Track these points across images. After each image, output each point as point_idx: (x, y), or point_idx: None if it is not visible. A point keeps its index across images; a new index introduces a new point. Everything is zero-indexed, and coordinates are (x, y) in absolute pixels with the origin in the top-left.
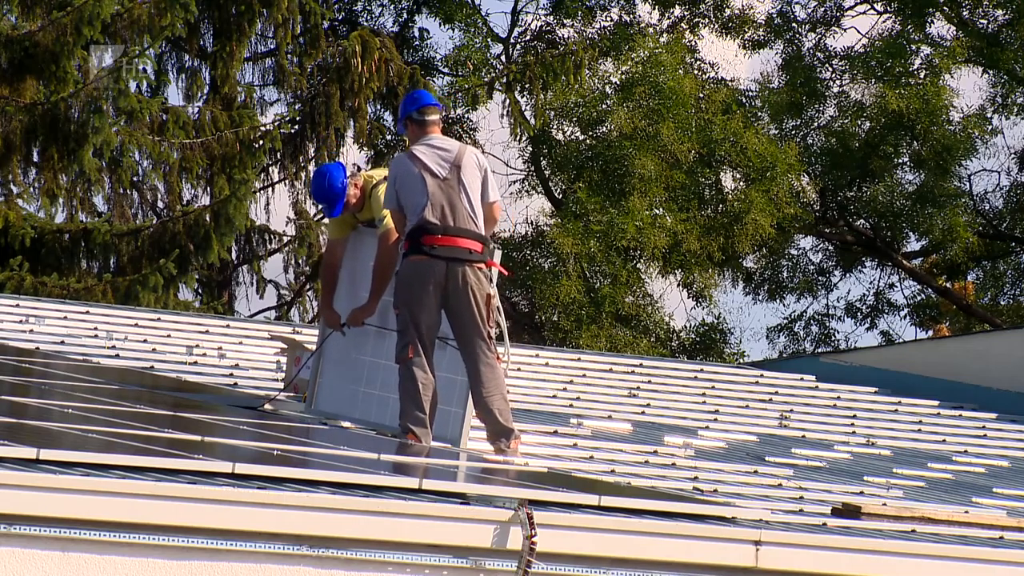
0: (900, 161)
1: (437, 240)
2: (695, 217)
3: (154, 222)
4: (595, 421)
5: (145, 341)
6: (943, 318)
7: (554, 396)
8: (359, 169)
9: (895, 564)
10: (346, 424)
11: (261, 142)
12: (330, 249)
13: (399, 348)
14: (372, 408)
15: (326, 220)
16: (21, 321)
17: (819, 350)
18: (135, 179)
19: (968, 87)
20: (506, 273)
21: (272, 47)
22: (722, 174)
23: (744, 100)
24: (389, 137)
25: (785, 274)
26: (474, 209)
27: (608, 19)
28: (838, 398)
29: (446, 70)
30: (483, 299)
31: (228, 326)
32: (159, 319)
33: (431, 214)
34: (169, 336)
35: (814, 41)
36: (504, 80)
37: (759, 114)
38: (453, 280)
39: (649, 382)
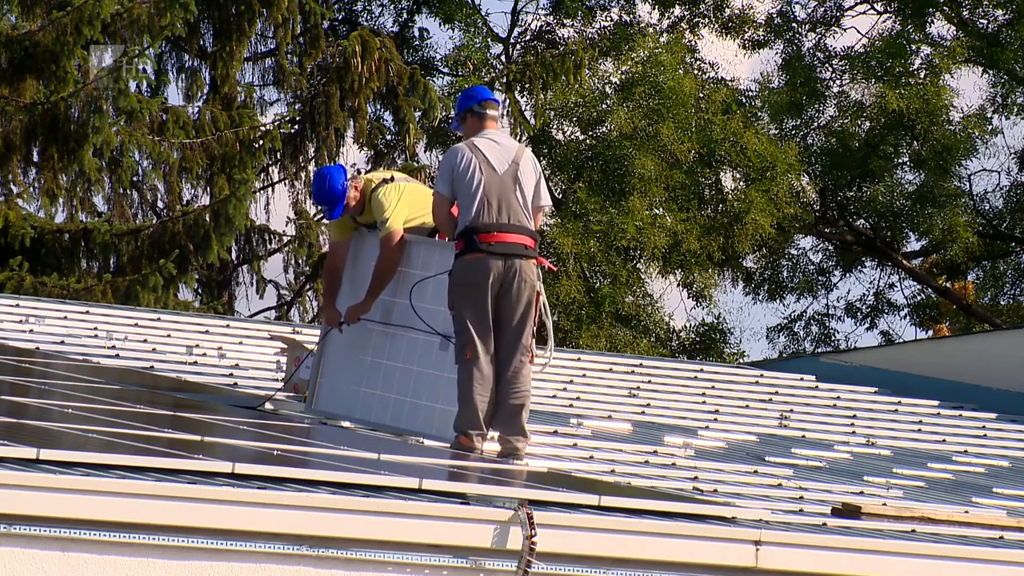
0: (900, 161)
1: (493, 237)
2: (695, 217)
3: (154, 222)
4: (595, 421)
5: (145, 341)
6: (943, 318)
7: (554, 396)
8: (359, 171)
9: (895, 564)
10: (346, 424)
11: (261, 142)
12: (332, 251)
13: (458, 349)
14: (372, 408)
15: (326, 221)
16: (21, 321)
17: (819, 350)
18: (135, 179)
19: (968, 87)
20: (552, 268)
21: (272, 47)
22: (722, 174)
23: (744, 100)
24: (389, 137)
25: (785, 274)
26: (527, 207)
27: (608, 19)
28: (838, 398)
29: (446, 70)
30: (534, 296)
31: (228, 326)
32: (159, 319)
33: (486, 210)
34: (169, 336)
35: (814, 41)
36: (504, 80)
37: (759, 114)
38: (509, 275)
39: (649, 382)
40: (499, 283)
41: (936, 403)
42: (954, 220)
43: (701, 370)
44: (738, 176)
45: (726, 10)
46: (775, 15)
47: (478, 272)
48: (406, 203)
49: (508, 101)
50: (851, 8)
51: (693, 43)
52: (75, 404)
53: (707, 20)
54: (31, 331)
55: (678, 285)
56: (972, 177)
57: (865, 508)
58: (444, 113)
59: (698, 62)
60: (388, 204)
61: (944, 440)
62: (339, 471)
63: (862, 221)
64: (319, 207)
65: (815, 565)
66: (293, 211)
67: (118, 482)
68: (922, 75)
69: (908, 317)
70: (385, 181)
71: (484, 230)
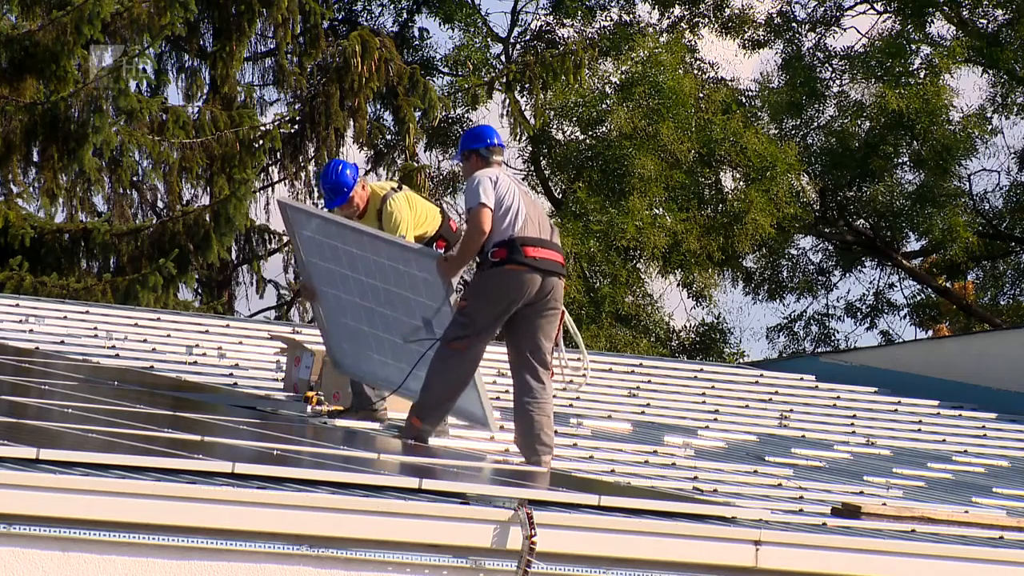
0: (900, 161)
1: (539, 252)
2: (695, 217)
3: (154, 222)
4: (595, 421)
5: (145, 341)
6: (943, 318)
7: (554, 396)
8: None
9: (895, 564)
10: (345, 424)
11: (261, 142)
12: None
13: (456, 335)
14: (388, 373)
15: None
16: (21, 321)
17: (819, 350)
18: (135, 179)
19: (968, 87)
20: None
21: (272, 47)
22: (722, 174)
23: (744, 100)
24: (389, 137)
25: (785, 274)
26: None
27: (608, 19)
28: (838, 398)
29: (446, 70)
30: (559, 314)
31: (228, 326)
32: (159, 319)
33: (531, 224)
34: (169, 336)
35: (814, 41)
36: (504, 80)
37: (759, 114)
38: (544, 291)
39: (649, 382)
40: (532, 298)
41: (936, 403)
42: (954, 220)
43: (701, 370)
44: (738, 176)
45: (726, 10)
46: (775, 15)
47: (516, 284)
48: (415, 214)
49: (508, 101)
50: (851, 8)
51: (693, 43)
52: (75, 404)
53: (707, 20)
54: (31, 331)
55: (678, 285)
56: (972, 177)
57: (865, 508)
58: (444, 113)
59: (698, 62)
60: (403, 220)
61: (944, 440)
62: (339, 471)
63: (862, 221)
64: (322, 193)
65: (815, 565)
66: None
67: (118, 482)
68: (922, 75)
69: (908, 317)
70: (394, 191)
71: (532, 244)
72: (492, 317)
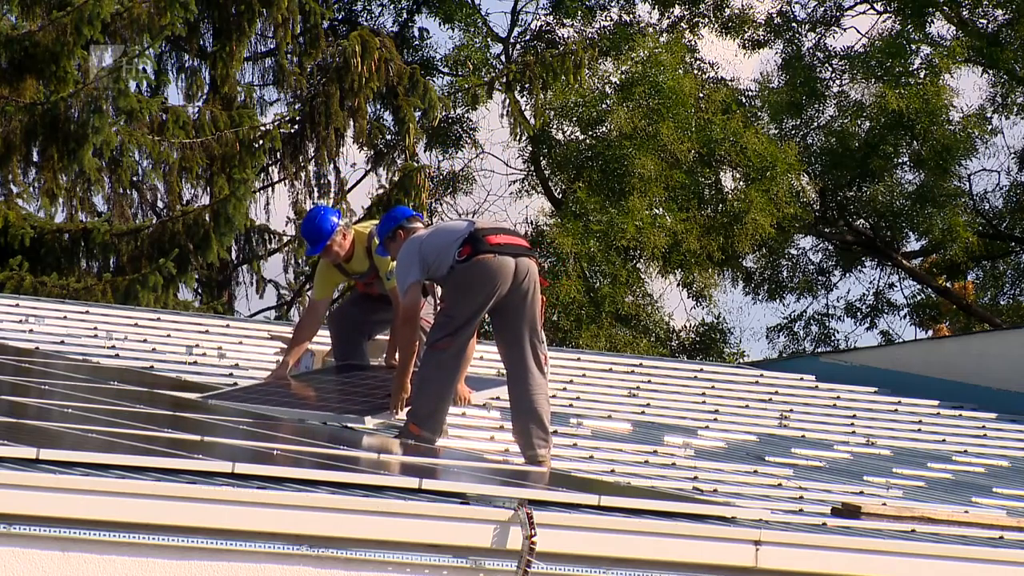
0: (900, 161)
1: (500, 238)
2: (695, 217)
3: (154, 222)
4: (595, 421)
5: (145, 341)
6: (943, 318)
7: (554, 396)
8: (348, 224)
9: (895, 564)
10: (349, 425)
11: (261, 142)
12: (312, 307)
13: (437, 336)
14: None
15: (312, 286)
16: (21, 321)
17: (819, 350)
18: (135, 179)
19: (968, 87)
20: (545, 284)
21: (272, 47)
22: (722, 174)
23: (744, 100)
24: (389, 137)
25: (785, 274)
26: None
27: (608, 19)
28: (838, 398)
29: (446, 70)
30: (541, 298)
31: (228, 326)
32: (159, 319)
33: (481, 222)
34: (169, 336)
35: (814, 41)
36: (504, 80)
37: (759, 114)
38: (519, 273)
39: (649, 382)
40: (509, 283)
41: (936, 403)
42: (954, 220)
43: (701, 370)
44: (738, 176)
45: (726, 10)
46: (775, 15)
47: (490, 272)
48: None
49: (508, 101)
50: (851, 8)
51: (693, 43)
52: (75, 404)
53: (707, 20)
54: (31, 331)
55: (678, 285)
56: (972, 177)
57: (865, 508)
58: (444, 113)
59: (698, 62)
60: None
61: (944, 440)
62: (339, 471)
63: (862, 221)
64: (304, 241)
65: (815, 565)
66: (293, 211)
67: (118, 482)
68: (922, 75)
69: (908, 317)
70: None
71: (491, 232)
72: (472, 311)
